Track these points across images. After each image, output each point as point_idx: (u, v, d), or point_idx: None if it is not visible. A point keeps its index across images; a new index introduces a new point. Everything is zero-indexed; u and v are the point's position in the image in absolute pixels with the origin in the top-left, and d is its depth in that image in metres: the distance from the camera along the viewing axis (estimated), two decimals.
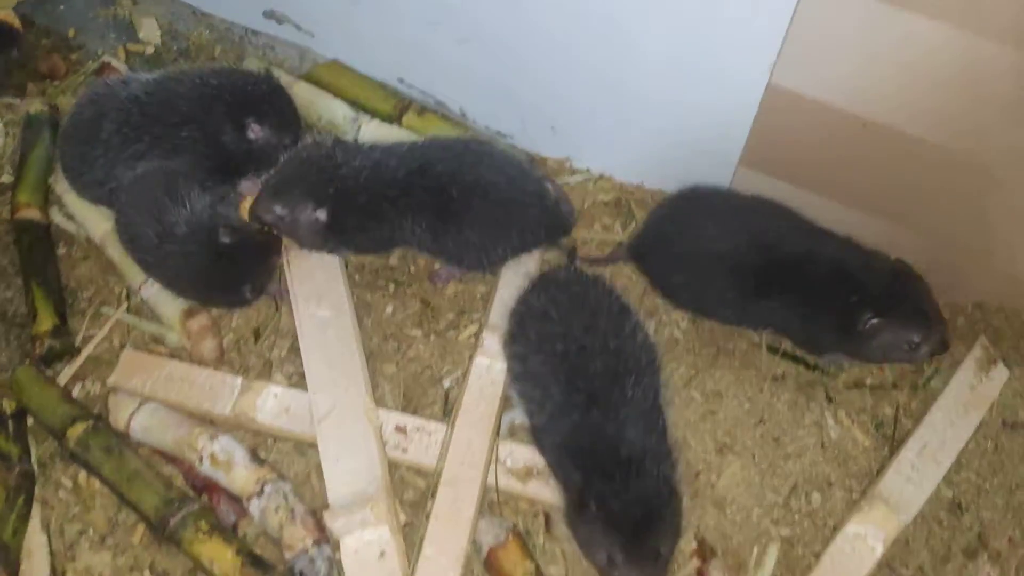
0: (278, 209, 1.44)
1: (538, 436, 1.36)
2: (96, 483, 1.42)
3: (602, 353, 1.32)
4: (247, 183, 1.58)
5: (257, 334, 1.56)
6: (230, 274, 1.48)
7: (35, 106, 1.75)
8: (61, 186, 1.67)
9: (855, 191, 1.49)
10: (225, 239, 1.43)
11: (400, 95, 1.77)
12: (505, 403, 1.45)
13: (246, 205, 1.50)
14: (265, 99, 1.58)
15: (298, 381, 1.50)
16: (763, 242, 1.43)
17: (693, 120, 1.51)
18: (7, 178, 1.73)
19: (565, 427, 1.29)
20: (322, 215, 1.44)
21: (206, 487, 1.40)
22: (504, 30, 1.56)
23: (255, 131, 1.56)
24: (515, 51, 1.58)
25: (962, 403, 1.43)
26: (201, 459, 1.38)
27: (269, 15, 1.79)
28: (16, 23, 1.84)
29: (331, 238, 1.49)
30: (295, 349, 1.53)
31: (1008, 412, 1.45)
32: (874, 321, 1.35)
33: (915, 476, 1.36)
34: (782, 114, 1.41)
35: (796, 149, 1.48)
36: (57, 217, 1.67)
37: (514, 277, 1.56)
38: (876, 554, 1.29)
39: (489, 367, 1.45)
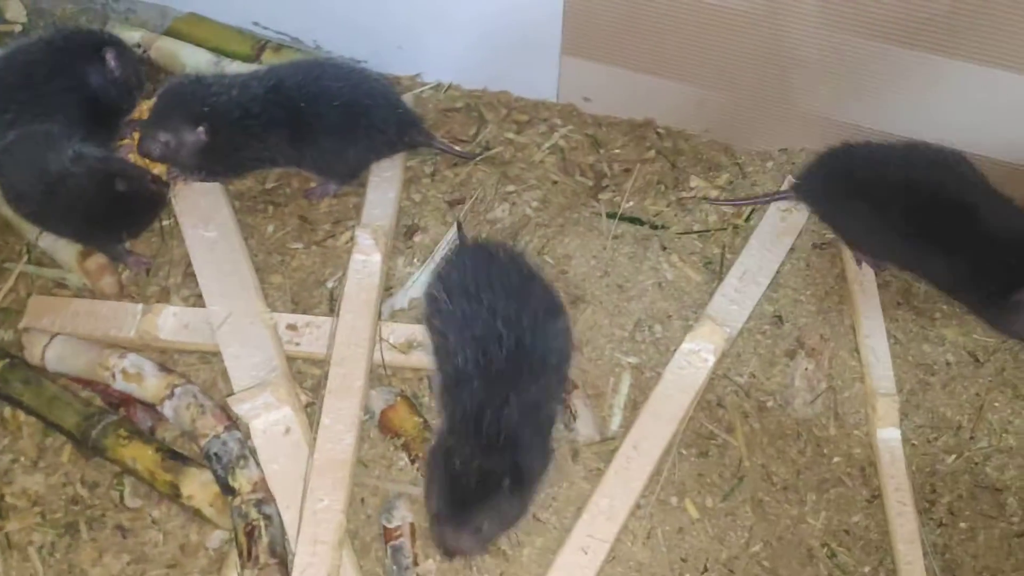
0: (162, 136, 1.59)
1: (436, 372, 1.44)
2: (21, 415, 1.56)
3: (514, 338, 1.36)
4: (126, 129, 1.72)
5: (149, 268, 1.71)
6: (118, 222, 1.62)
7: None
8: None
9: (669, 63, 1.69)
10: (121, 187, 1.57)
11: (256, 36, 1.91)
12: (383, 293, 1.63)
13: (132, 152, 1.65)
14: (109, 39, 1.74)
15: (195, 302, 1.65)
16: (933, 189, 1.49)
17: (509, 17, 1.68)
18: None
19: (461, 385, 1.35)
20: (202, 134, 1.60)
21: (122, 401, 1.55)
22: None
23: (112, 58, 1.69)
24: None
25: (776, 233, 1.66)
26: (114, 376, 1.53)
27: None
28: None
29: (212, 159, 1.64)
30: (189, 274, 1.68)
31: (816, 237, 1.69)
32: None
33: (738, 297, 1.59)
34: None
35: (610, 31, 1.66)
36: None
37: (380, 181, 1.73)
38: (709, 364, 1.51)
39: (365, 262, 1.63)
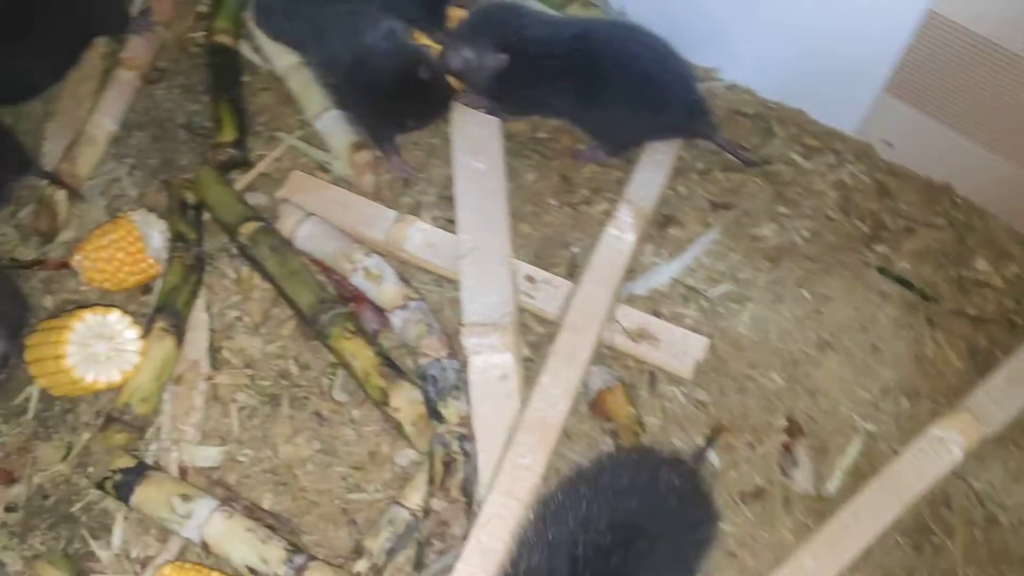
0: (467, 52, 1.59)
1: None
2: (255, 279, 1.60)
3: None
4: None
5: (407, 180, 1.71)
6: (410, 107, 1.64)
7: None
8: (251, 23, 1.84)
9: (988, 129, 1.56)
10: (424, 74, 1.59)
11: None
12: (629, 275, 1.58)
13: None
14: None
15: (443, 225, 1.65)
16: None
17: (842, 41, 1.58)
18: (204, 8, 1.90)
19: None
20: (504, 60, 1.59)
21: (354, 297, 1.56)
22: None
23: None
24: None
25: None
26: (356, 270, 1.54)
27: None
28: None
29: (503, 89, 1.63)
30: (443, 198, 1.69)
31: None
32: None
33: (1003, 400, 1.45)
34: (938, 44, 1.49)
35: (946, 83, 1.55)
36: (245, 49, 1.84)
37: (650, 163, 1.68)
38: (954, 457, 1.40)
39: (619, 238, 1.58)
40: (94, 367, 1.37)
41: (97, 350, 1.37)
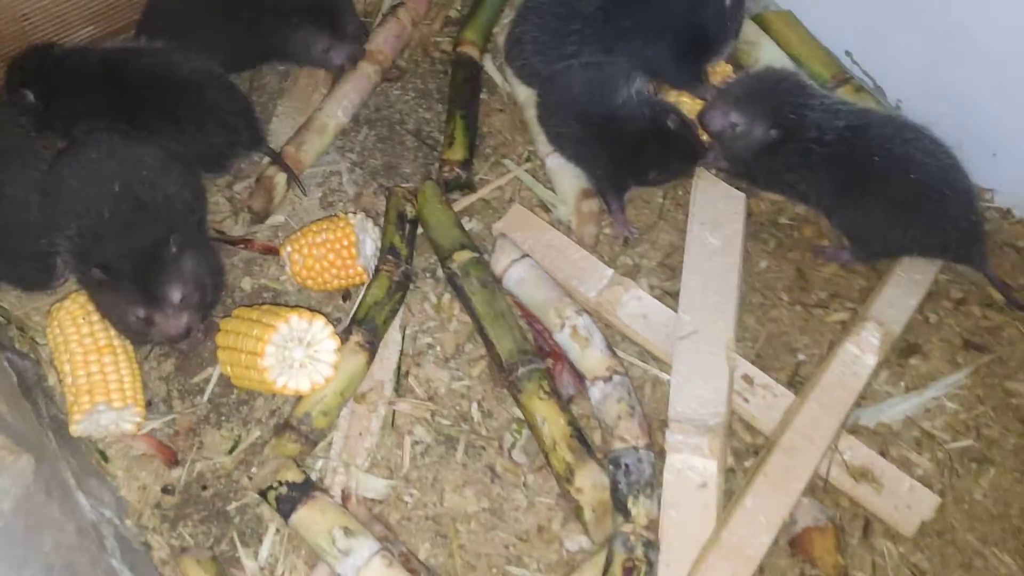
0: (734, 116, 1.46)
1: None
2: (456, 309, 1.51)
3: None
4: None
5: (627, 239, 1.59)
6: (653, 158, 1.53)
7: None
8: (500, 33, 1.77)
9: None
10: (672, 124, 1.48)
11: (841, 67, 1.72)
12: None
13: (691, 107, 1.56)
14: None
15: (660, 296, 1.52)
16: None
17: None
18: (455, 13, 1.84)
19: None
20: (775, 136, 1.45)
21: (553, 354, 1.45)
22: (996, 43, 1.48)
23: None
24: (998, 66, 1.49)
25: None
26: (563, 326, 1.43)
27: None
28: None
29: (760, 164, 1.50)
30: (664, 265, 1.56)
31: None
32: None
33: None
34: None
35: None
36: (488, 65, 1.76)
37: (905, 280, 1.50)
38: None
39: (858, 358, 1.41)
40: (287, 372, 1.31)
41: (294, 355, 1.30)
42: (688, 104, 1.63)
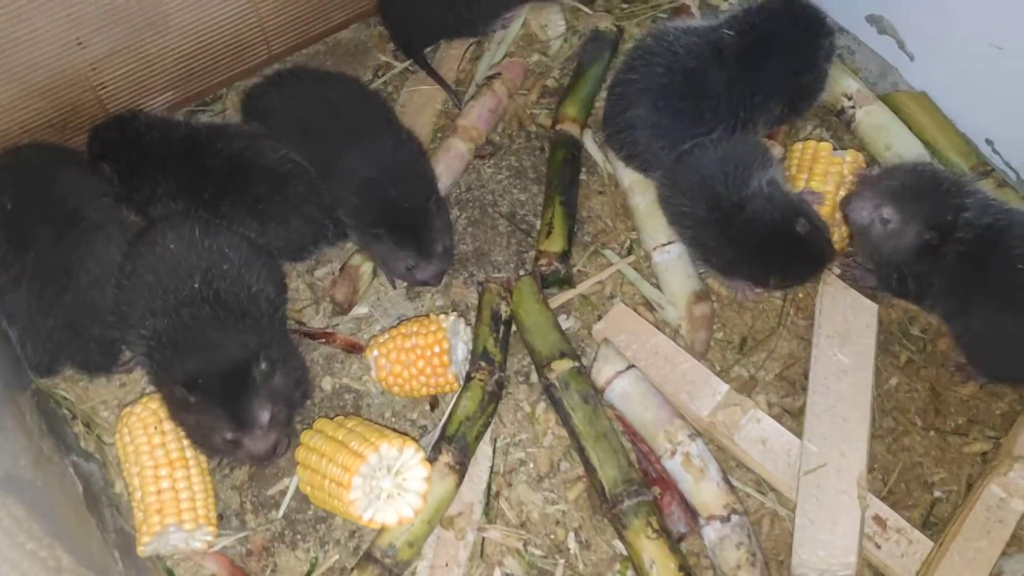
0: (886, 212, 1.32)
1: None
2: (551, 420, 1.39)
3: None
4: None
5: (744, 343, 1.45)
6: (777, 260, 1.37)
7: (605, 23, 1.71)
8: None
9: None
10: (800, 228, 1.32)
11: (981, 156, 1.56)
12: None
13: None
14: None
15: (778, 412, 1.38)
16: None
17: None
18: (552, 82, 1.71)
19: None
20: (932, 239, 1.30)
21: (660, 482, 1.31)
22: None
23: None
24: None
25: None
26: (673, 453, 1.29)
27: (874, 20, 1.63)
28: None
29: (905, 266, 1.35)
30: (784, 379, 1.42)
31: None
32: None
33: None
34: None
35: None
36: (589, 143, 1.63)
37: None
38: None
39: (1003, 502, 1.25)
40: (374, 504, 1.19)
41: (382, 485, 1.19)
42: (819, 184, 1.47)
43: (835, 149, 1.52)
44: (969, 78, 1.53)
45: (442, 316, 1.38)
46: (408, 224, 1.36)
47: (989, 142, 1.56)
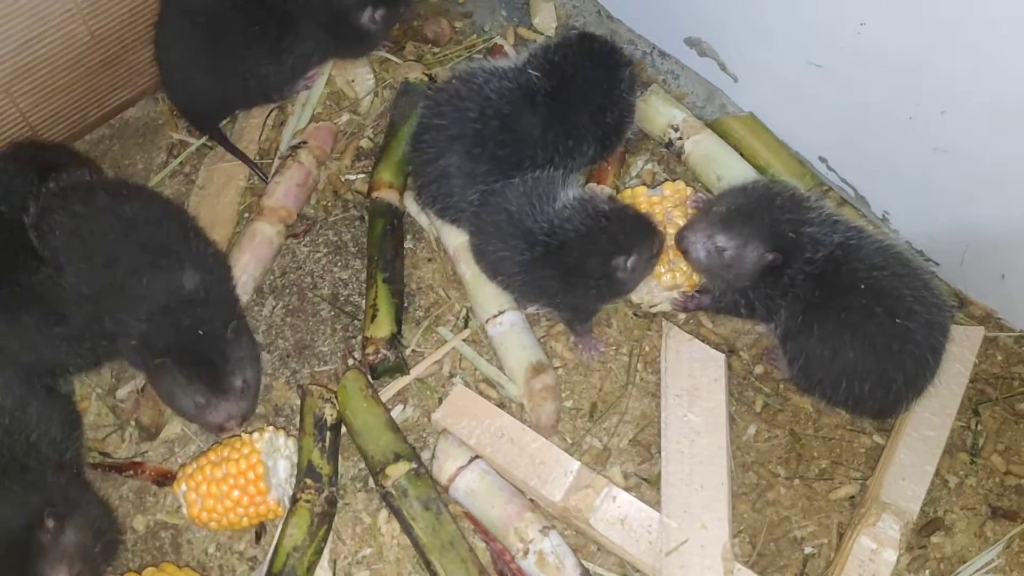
0: (722, 241, 1.24)
1: None
2: (394, 529, 1.26)
3: None
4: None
5: (594, 408, 1.36)
6: (614, 246, 1.26)
7: (414, 73, 1.58)
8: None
9: None
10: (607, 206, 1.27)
11: (816, 176, 1.50)
12: None
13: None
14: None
15: (636, 484, 1.29)
16: None
17: None
18: (367, 142, 1.57)
19: None
20: (773, 261, 1.23)
21: None
22: (998, 152, 1.26)
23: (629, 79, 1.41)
24: (1002, 179, 1.28)
25: None
26: (526, 552, 1.19)
27: (692, 43, 1.55)
28: None
29: (755, 295, 1.27)
30: (638, 443, 1.33)
31: None
32: None
33: None
34: None
35: None
36: (411, 206, 1.51)
37: (917, 441, 1.29)
38: None
39: (875, 554, 1.19)
40: None
41: None
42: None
43: (657, 186, 1.45)
44: (795, 96, 1.46)
45: (255, 434, 1.23)
46: (199, 353, 1.20)
47: (823, 159, 1.50)
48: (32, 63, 1.38)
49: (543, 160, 1.36)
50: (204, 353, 1.19)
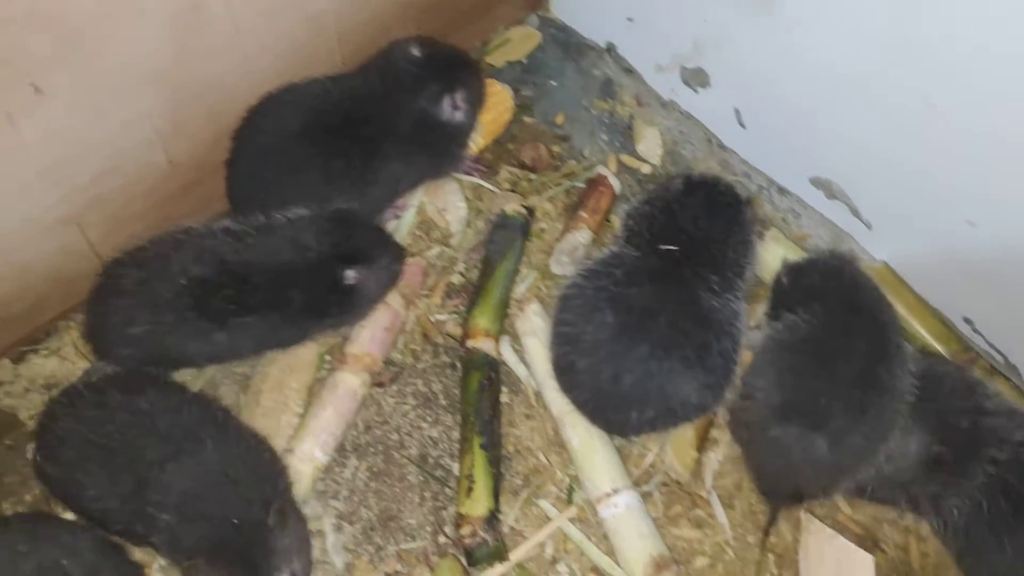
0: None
1: None
2: None
3: None
4: None
5: None
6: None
7: (511, 204, 1.45)
8: (517, 314, 1.37)
9: None
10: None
11: (963, 341, 1.35)
12: None
13: None
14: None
15: None
16: None
17: None
18: (459, 278, 1.44)
19: None
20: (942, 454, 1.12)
21: None
22: None
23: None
24: None
25: None
26: None
27: (819, 184, 1.41)
28: (510, 99, 1.55)
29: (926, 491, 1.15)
30: None
31: None
32: None
33: None
34: None
35: None
36: (508, 356, 1.36)
37: None
38: None
39: None
40: None
41: None
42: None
43: None
44: (940, 251, 1.32)
45: None
46: (236, 548, 1.04)
47: (968, 320, 1.35)
48: (106, 195, 1.26)
49: None
50: (241, 547, 1.03)
